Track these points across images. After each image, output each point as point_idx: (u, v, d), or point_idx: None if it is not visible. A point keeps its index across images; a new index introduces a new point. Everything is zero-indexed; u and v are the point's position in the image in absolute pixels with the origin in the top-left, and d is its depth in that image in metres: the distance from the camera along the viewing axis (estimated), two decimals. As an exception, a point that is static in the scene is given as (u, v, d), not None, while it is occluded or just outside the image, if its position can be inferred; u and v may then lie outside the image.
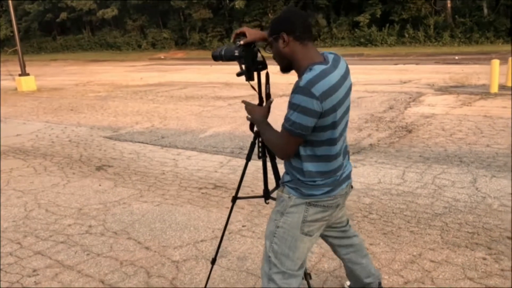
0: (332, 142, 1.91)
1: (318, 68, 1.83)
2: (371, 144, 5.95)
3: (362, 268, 2.39)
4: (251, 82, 2.15)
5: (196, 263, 3.08)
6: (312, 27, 1.93)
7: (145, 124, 8.32)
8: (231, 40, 2.15)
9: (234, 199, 2.45)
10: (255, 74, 2.16)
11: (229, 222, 3.67)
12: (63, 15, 38.79)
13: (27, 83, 15.79)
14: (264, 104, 2.12)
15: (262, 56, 2.15)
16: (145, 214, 4.04)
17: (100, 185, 4.95)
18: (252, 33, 2.08)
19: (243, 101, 2.13)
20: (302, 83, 1.79)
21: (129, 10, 36.79)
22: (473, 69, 14.12)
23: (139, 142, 6.98)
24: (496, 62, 9.43)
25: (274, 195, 2.32)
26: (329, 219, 2.03)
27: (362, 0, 26.28)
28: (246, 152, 5.91)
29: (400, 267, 2.91)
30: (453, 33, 23.97)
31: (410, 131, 6.53)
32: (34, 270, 3.14)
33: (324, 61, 1.89)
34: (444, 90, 10.38)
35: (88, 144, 7.00)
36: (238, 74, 2.15)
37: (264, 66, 2.15)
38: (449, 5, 25.08)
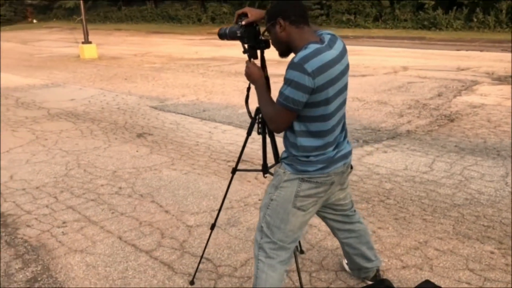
0: (325, 118, 1.97)
1: (312, 47, 1.90)
2: (408, 131, 5.83)
3: (361, 254, 2.44)
4: (255, 60, 2.23)
5: (207, 229, 3.25)
6: (306, 12, 2.00)
7: (191, 97, 8.58)
8: (234, 21, 2.22)
9: (234, 170, 2.58)
10: (259, 52, 2.23)
11: (248, 195, 3.85)
12: (128, -14, 39.80)
13: (89, 51, 16.58)
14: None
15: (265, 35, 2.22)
16: (172, 181, 4.27)
17: (137, 151, 5.24)
18: (253, 13, 2.15)
19: (247, 61, 2.19)
20: (296, 59, 1.87)
21: (192, -18, 37.14)
22: (541, 59, 13.20)
23: (181, 113, 7.24)
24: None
25: (272, 170, 2.41)
26: (323, 196, 2.10)
27: (429, -20, 25.01)
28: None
29: (402, 252, 2.93)
30: (527, 19, 22.34)
31: (452, 120, 6.32)
32: (64, 222, 3.46)
33: (320, 41, 1.96)
34: (503, 80, 9.83)
35: (134, 112, 7.36)
36: (244, 52, 2.24)
37: (267, 45, 2.22)
38: (525, -12, 23.33)
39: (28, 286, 2.63)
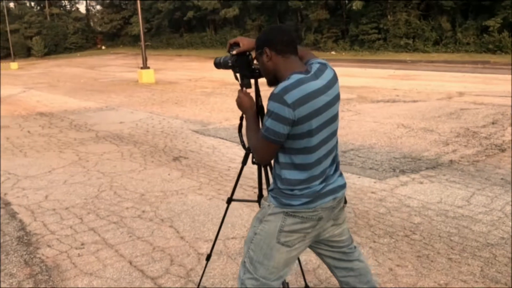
0: (310, 150, 1.89)
1: (294, 77, 1.84)
2: (451, 160, 5.49)
3: None
4: (248, 90, 2.18)
5: (217, 258, 3.19)
6: (294, 41, 1.94)
7: (234, 121, 8.66)
8: (226, 50, 2.20)
9: (229, 200, 2.51)
10: (253, 81, 2.19)
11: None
12: (190, 13, 41.65)
13: (147, 76, 17.34)
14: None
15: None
16: (194, 206, 4.27)
17: (169, 175, 5.32)
18: (245, 42, 2.12)
19: (239, 90, 2.13)
20: (276, 90, 1.81)
21: (249, 9, 38.13)
22: None
23: (220, 137, 7.31)
24: None
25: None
26: (311, 231, 1.98)
27: (494, 2, 23.94)
28: None
29: (417, 295, 2.70)
30: None
31: (503, 150, 5.88)
32: (82, 244, 3.54)
33: (306, 71, 1.89)
34: None
35: (176, 136, 7.53)
36: (237, 80, 2.21)
37: (261, 74, 2.17)
38: None
39: (32, 306, 2.70)
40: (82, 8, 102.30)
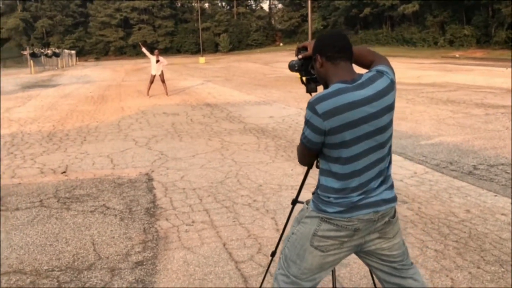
0: (346, 161, 1.85)
1: (335, 86, 1.84)
2: None
3: None
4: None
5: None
6: (345, 48, 1.91)
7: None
8: (295, 54, 2.25)
9: (294, 202, 2.56)
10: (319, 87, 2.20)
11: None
12: (367, 10, 40.96)
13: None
14: None
15: None
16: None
17: (292, 170, 5.51)
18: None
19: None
20: (312, 99, 1.83)
21: (431, 5, 35.71)
22: None
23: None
24: None
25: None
26: (347, 241, 1.95)
27: None
28: (454, 167, 5.55)
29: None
30: None
31: None
32: (193, 221, 3.97)
33: (352, 80, 1.85)
34: None
35: (315, 133, 7.66)
36: (304, 84, 2.25)
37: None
38: None
39: (134, 267, 3.18)
40: (265, 6, 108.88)
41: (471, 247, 3.35)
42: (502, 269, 3.02)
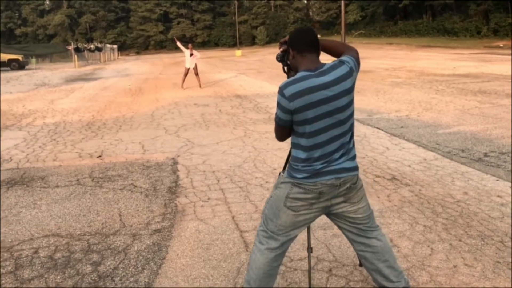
0: (310, 135, 2.22)
1: (300, 74, 2.22)
2: None
3: (378, 271, 2.45)
4: None
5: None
6: (312, 42, 2.26)
7: (403, 113, 8.55)
8: (278, 47, 2.61)
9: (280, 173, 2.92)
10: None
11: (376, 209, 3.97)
12: (406, 0, 40.09)
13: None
14: None
15: None
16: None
17: (307, 155, 5.85)
18: None
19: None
20: (281, 85, 2.22)
21: (473, -6, 34.61)
22: None
23: (377, 127, 7.43)
24: None
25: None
26: (315, 202, 2.30)
27: None
28: (465, 154, 5.75)
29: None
30: None
31: None
32: (208, 198, 4.41)
33: (315, 68, 2.21)
34: None
35: (336, 122, 7.94)
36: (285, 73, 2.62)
37: None
38: None
39: (152, 233, 3.65)
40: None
41: (459, 223, 3.61)
42: (482, 243, 3.28)
